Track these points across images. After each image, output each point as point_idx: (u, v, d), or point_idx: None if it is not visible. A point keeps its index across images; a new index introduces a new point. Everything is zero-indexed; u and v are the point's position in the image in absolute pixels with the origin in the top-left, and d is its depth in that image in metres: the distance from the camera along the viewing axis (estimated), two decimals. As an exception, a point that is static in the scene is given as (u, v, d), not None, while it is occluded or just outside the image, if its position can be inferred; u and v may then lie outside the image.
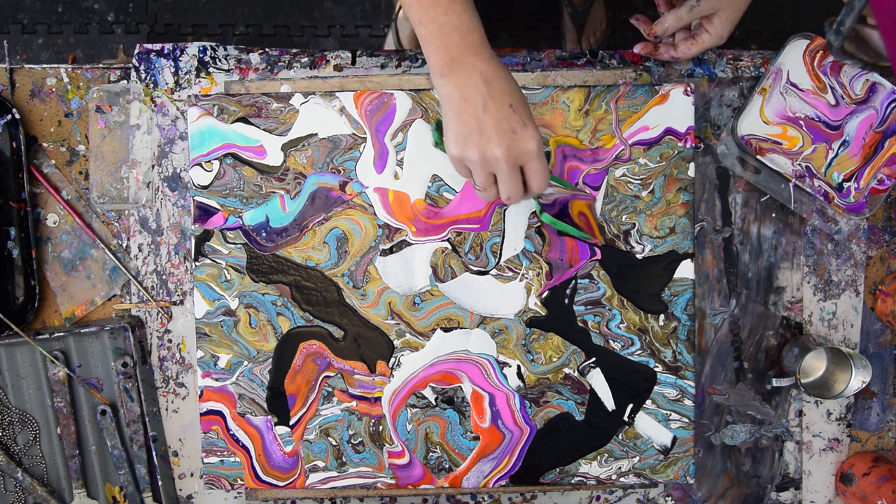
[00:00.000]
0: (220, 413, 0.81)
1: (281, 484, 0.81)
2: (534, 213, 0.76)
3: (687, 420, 0.80)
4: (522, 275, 0.80)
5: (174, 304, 0.85)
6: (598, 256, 0.79)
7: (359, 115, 0.80)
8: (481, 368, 0.80)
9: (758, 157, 0.81)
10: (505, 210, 0.79)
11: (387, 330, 0.81)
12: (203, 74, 0.85)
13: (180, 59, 0.85)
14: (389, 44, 1.45)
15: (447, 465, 0.81)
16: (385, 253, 0.80)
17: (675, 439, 0.80)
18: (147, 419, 0.83)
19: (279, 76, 0.85)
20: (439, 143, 0.68)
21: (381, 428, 0.81)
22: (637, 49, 0.80)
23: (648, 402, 0.80)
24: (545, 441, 0.81)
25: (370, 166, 0.80)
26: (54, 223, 0.85)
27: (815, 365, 0.84)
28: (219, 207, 0.80)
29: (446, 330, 0.80)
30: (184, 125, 0.85)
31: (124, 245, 0.85)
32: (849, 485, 0.84)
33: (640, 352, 0.80)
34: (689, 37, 0.77)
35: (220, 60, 0.85)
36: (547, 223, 0.69)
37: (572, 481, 0.81)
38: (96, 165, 0.84)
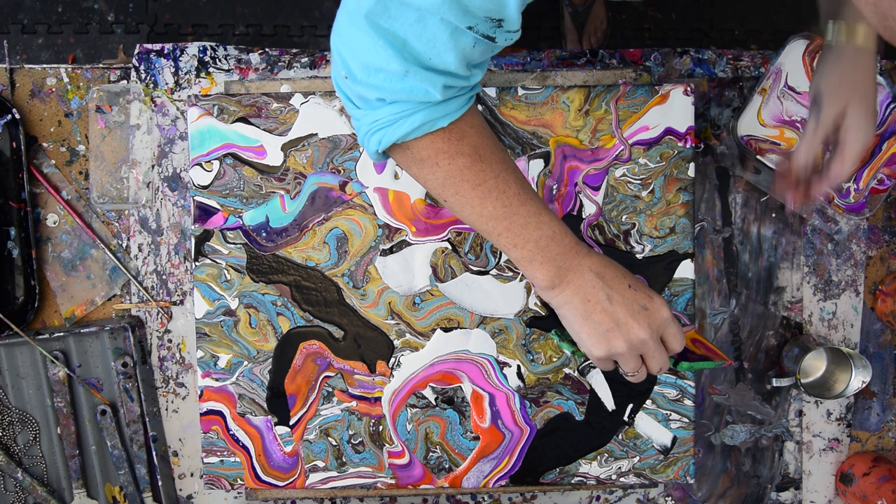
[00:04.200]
0: (220, 413, 0.81)
1: (281, 484, 0.81)
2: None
3: (687, 420, 0.80)
4: (523, 275, 0.80)
5: (174, 304, 0.85)
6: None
7: (359, 115, 0.80)
8: (481, 368, 0.80)
9: (758, 157, 0.81)
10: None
11: (387, 330, 0.81)
12: (203, 74, 0.85)
13: (180, 59, 0.85)
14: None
15: (447, 465, 0.81)
16: (385, 253, 0.80)
17: (675, 439, 0.80)
18: (147, 419, 0.83)
19: (279, 76, 0.85)
20: (577, 352, 0.65)
21: (381, 428, 0.81)
22: (790, 206, 0.68)
23: (648, 402, 0.80)
24: (545, 441, 0.81)
25: (370, 166, 0.80)
26: (54, 223, 0.85)
27: (815, 365, 0.84)
28: (219, 207, 0.80)
29: (446, 330, 0.80)
30: (184, 125, 0.85)
31: (124, 245, 0.85)
32: (849, 485, 0.84)
33: (640, 352, 0.80)
34: (833, 154, 0.65)
35: (220, 60, 0.85)
36: (685, 370, 0.67)
37: (572, 481, 0.81)
38: (96, 165, 0.84)
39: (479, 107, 0.80)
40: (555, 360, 0.80)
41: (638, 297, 0.60)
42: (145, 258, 0.85)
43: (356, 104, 0.58)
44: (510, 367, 0.80)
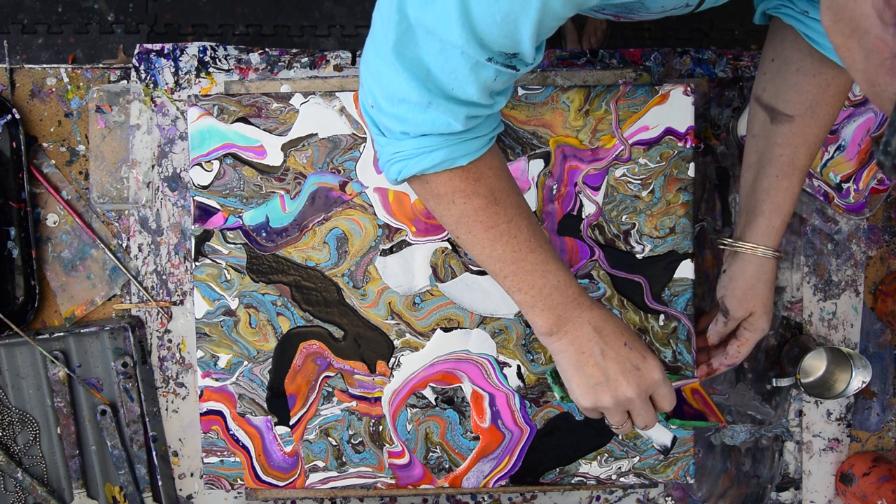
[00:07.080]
0: (220, 413, 0.81)
1: (281, 484, 0.81)
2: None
3: (687, 420, 0.80)
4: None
5: (174, 304, 0.85)
6: (597, 257, 0.79)
7: (359, 115, 0.80)
8: (481, 368, 0.80)
9: (758, 157, 0.81)
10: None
11: (387, 330, 0.81)
12: (203, 74, 0.85)
13: (180, 59, 0.85)
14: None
15: (447, 465, 0.81)
16: (385, 253, 0.80)
17: (675, 439, 0.80)
18: (147, 419, 0.83)
19: (279, 76, 0.85)
20: (566, 397, 0.67)
21: (381, 428, 0.81)
22: (699, 374, 0.79)
23: (648, 402, 0.80)
24: (545, 441, 0.81)
25: (370, 166, 0.80)
26: (54, 223, 0.85)
27: (815, 365, 0.84)
28: (219, 207, 0.80)
29: (446, 330, 0.80)
30: (184, 125, 0.85)
31: (124, 245, 0.85)
32: (849, 485, 0.84)
33: (640, 352, 0.80)
34: (734, 339, 0.76)
35: (220, 60, 0.85)
36: (677, 427, 0.69)
37: (572, 481, 0.81)
38: (96, 165, 0.84)
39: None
40: (555, 360, 0.80)
41: (632, 357, 0.62)
42: (145, 258, 0.85)
43: (382, 132, 0.59)
44: (510, 367, 0.80)
